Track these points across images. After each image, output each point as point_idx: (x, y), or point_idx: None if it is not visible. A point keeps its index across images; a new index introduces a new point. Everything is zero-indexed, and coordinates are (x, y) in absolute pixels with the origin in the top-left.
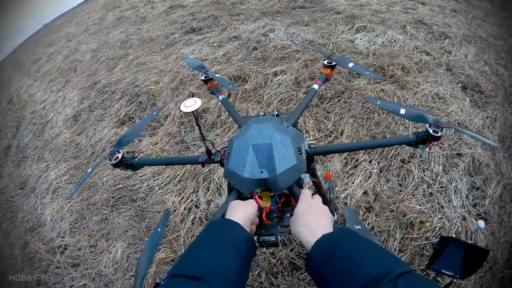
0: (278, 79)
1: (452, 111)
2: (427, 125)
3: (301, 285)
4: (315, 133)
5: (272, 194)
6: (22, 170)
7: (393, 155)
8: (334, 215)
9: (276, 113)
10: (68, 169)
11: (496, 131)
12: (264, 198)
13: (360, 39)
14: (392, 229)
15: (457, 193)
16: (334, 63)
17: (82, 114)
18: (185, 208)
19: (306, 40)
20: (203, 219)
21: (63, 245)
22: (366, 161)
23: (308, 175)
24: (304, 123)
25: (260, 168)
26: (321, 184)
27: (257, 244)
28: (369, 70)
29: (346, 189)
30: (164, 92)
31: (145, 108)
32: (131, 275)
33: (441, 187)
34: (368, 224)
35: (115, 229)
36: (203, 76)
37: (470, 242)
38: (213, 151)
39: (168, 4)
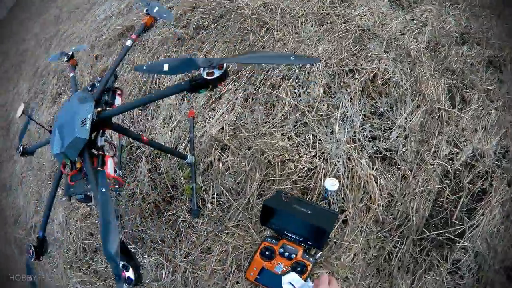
0: None
1: (358, 15)
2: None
3: (165, 228)
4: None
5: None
6: (2, 174)
7: (261, 80)
8: (187, 157)
9: (92, 83)
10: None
11: (424, 37)
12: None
13: None
14: (250, 170)
15: (345, 122)
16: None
17: (31, 104)
18: None
19: None
20: None
21: (33, 225)
22: (230, 91)
23: (103, 138)
24: None
25: (58, 146)
26: None
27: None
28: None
29: (205, 126)
30: (82, 59)
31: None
32: (69, 233)
33: (320, 114)
34: (223, 164)
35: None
36: (66, 57)
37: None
38: None
39: None
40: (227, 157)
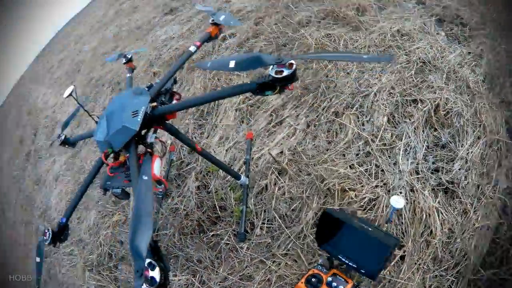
0: (226, 43)
1: (418, 48)
2: (270, 67)
3: (205, 248)
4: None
5: (112, 152)
6: (38, 169)
7: (324, 107)
8: (241, 177)
9: (150, 84)
10: (67, 158)
11: (481, 70)
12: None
13: None
14: (307, 197)
15: (409, 153)
16: (220, 23)
17: (80, 110)
18: None
19: None
20: None
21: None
22: (292, 116)
23: (154, 135)
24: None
25: (103, 134)
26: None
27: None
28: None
29: (263, 149)
30: (139, 75)
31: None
32: (98, 237)
33: (384, 144)
34: (279, 189)
35: (90, 200)
36: (124, 59)
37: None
38: None
39: None
40: (284, 181)
